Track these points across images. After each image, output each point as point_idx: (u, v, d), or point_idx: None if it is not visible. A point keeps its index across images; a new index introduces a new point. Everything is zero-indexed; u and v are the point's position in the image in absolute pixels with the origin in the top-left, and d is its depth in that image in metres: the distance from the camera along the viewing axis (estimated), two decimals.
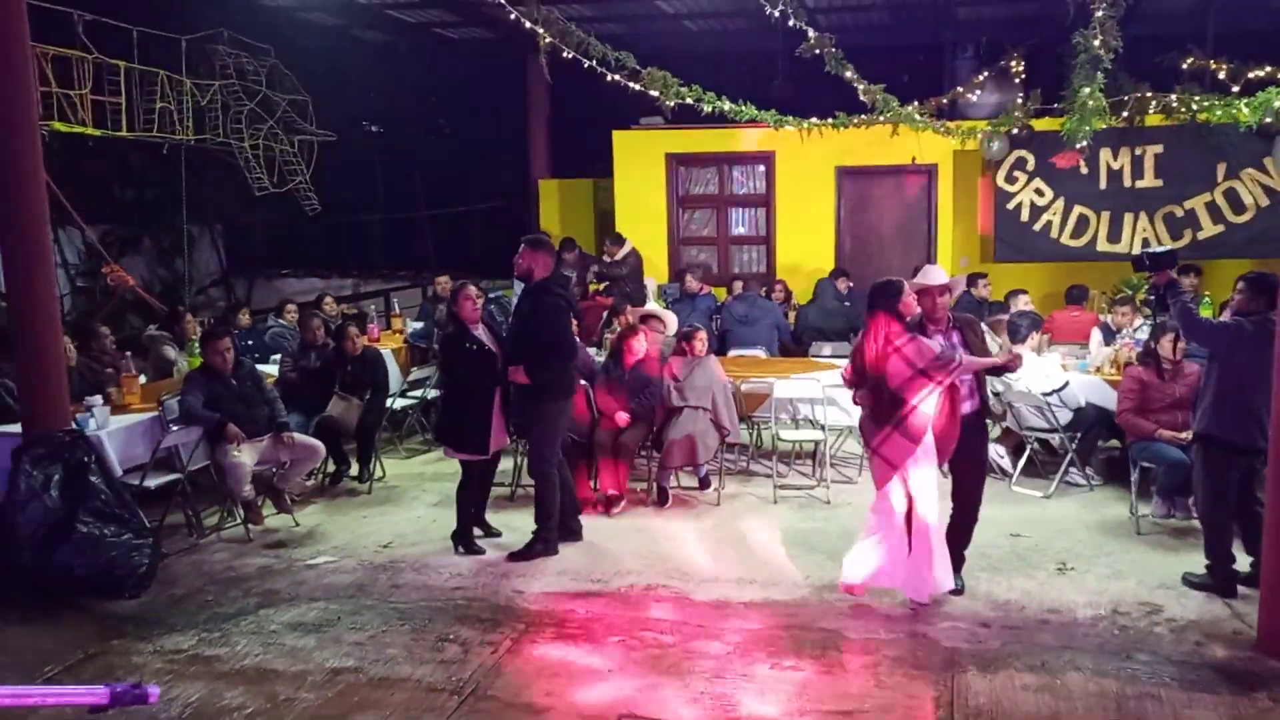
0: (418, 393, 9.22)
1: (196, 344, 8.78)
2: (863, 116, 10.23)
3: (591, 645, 5.14)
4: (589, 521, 7.00)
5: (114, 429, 6.78)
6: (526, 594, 5.85)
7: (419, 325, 10.55)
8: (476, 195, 17.30)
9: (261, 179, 11.50)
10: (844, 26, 10.18)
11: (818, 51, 9.27)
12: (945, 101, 10.90)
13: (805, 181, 12.38)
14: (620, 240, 11.58)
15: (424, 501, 7.77)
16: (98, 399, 6.94)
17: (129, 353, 8.23)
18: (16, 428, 6.38)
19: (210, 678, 4.88)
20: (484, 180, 17.26)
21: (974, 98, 11.08)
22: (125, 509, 6.19)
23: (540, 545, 6.44)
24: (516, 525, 6.87)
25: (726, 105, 9.91)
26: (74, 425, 6.42)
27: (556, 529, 6.53)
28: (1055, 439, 7.74)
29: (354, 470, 8.26)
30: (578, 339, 7.05)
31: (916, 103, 10.17)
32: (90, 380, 7.61)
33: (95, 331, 8.61)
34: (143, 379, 8.05)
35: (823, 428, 7.84)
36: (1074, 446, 7.54)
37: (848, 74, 9.40)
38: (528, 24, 8.96)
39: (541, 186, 14.74)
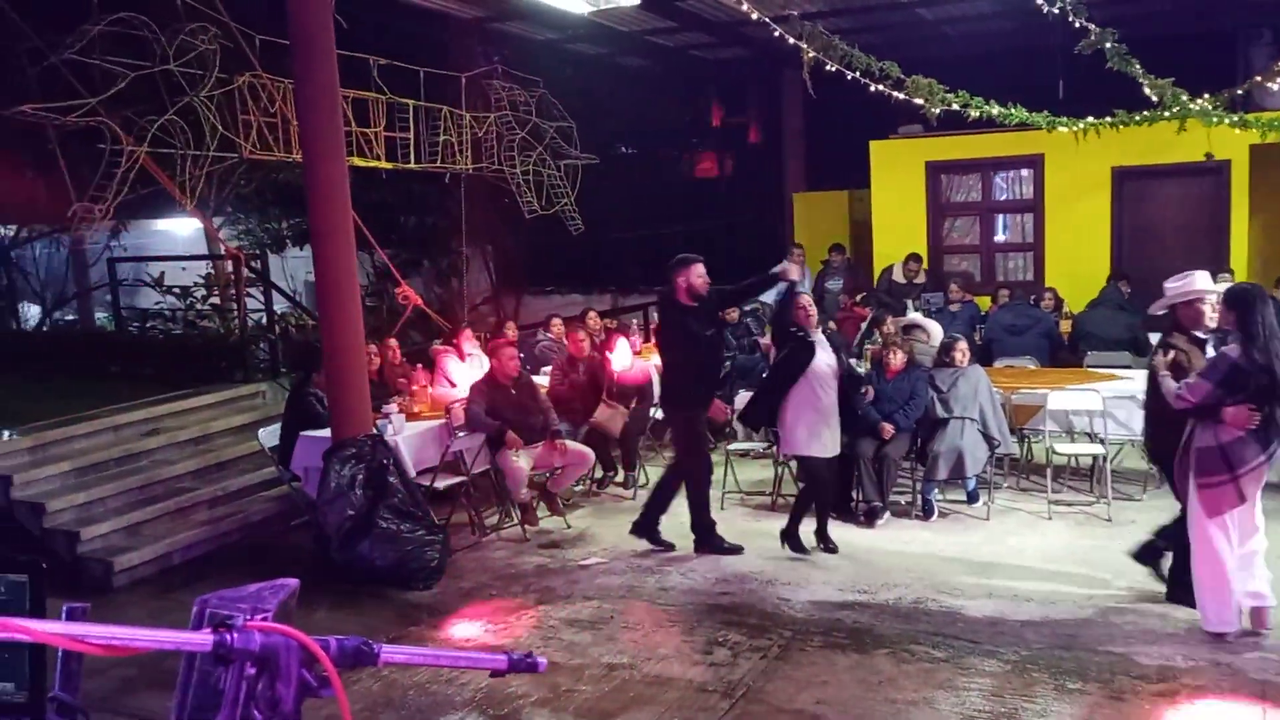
0: None
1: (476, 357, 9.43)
2: (1145, 113, 9.56)
3: (860, 655, 5.10)
4: (850, 533, 6.96)
5: (408, 434, 7.37)
6: (793, 602, 5.87)
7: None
8: (730, 210, 17.52)
9: (531, 202, 12.16)
10: (1122, 19, 9.54)
11: (1098, 47, 8.75)
12: (1240, 92, 10.01)
13: (1078, 184, 11.73)
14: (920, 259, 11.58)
15: (685, 508, 7.90)
16: (394, 406, 7.55)
17: (420, 365, 8.91)
18: (326, 433, 7.06)
19: None
20: (737, 195, 17.45)
21: (1275, 86, 10.11)
22: (418, 508, 6.72)
23: None
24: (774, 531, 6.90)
25: (995, 110, 9.53)
26: (375, 430, 7.03)
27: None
28: None
29: (619, 476, 8.57)
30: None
31: (1207, 95, 9.38)
32: (386, 389, 8.29)
33: (387, 345, 9.38)
34: (430, 389, 8.69)
35: (1102, 441, 7.40)
36: None
37: (1133, 69, 8.80)
38: (791, 40, 9.01)
39: (795, 199, 14.75)
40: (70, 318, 14.84)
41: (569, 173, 12.68)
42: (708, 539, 6.84)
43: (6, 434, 7.58)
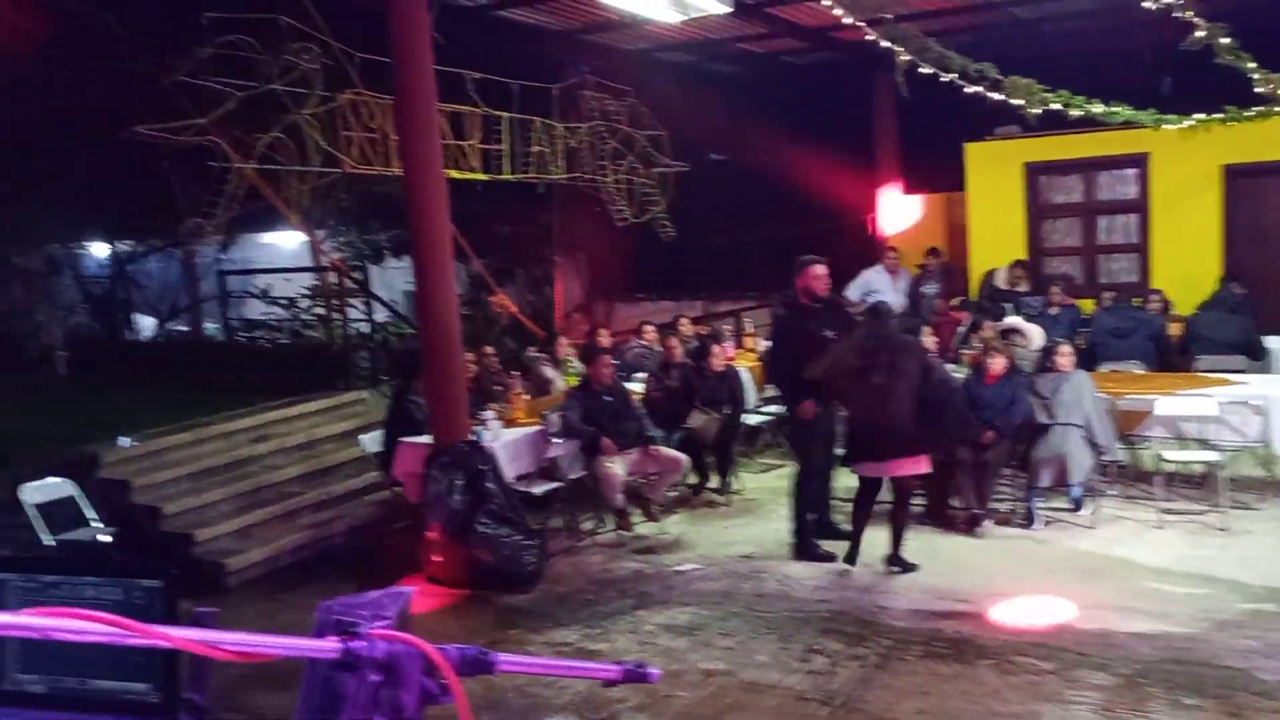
0: (771, 409, 9.41)
1: (569, 364, 9.55)
2: (1258, 109, 9.16)
3: (962, 665, 5.01)
4: (950, 541, 6.85)
5: (504, 441, 7.48)
6: (891, 610, 5.80)
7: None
8: (822, 215, 17.38)
9: (623, 211, 12.26)
10: (1231, 11, 9.16)
11: (1208, 43, 8.42)
12: None
13: (1186, 183, 11.35)
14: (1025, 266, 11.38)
15: (781, 515, 7.83)
16: (490, 413, 7.68)
17: (516, 372, 9.04)
18: (425, 439, 7.21)
19: None
20: (829, 200, 17.29)
21: None
22: (515, 513, 6.82)
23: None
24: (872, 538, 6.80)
25: (1098, 108, 9.26)
26: (472, 437, 7.15)
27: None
28: None
29: (714, 483, 8.56)
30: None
31: None
32: (483, 396, 8.43)
33: (483, 353, 9.54)
34: (525, 396, 8.81)
35: (1216, 448, 7.14)
36: None
37: (1243, 64, 8.46)
38: (884, 43, 8.92)
39: (888, 203, 14.56)
40: (182, 328, 15.47)
41: (661, 180, 12.76)
42: (804, 544, 6.78)
43: (126, 440, 7.92)
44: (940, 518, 7.24)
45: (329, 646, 1.21)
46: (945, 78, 9.26)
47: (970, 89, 9.37)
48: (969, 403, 7.27)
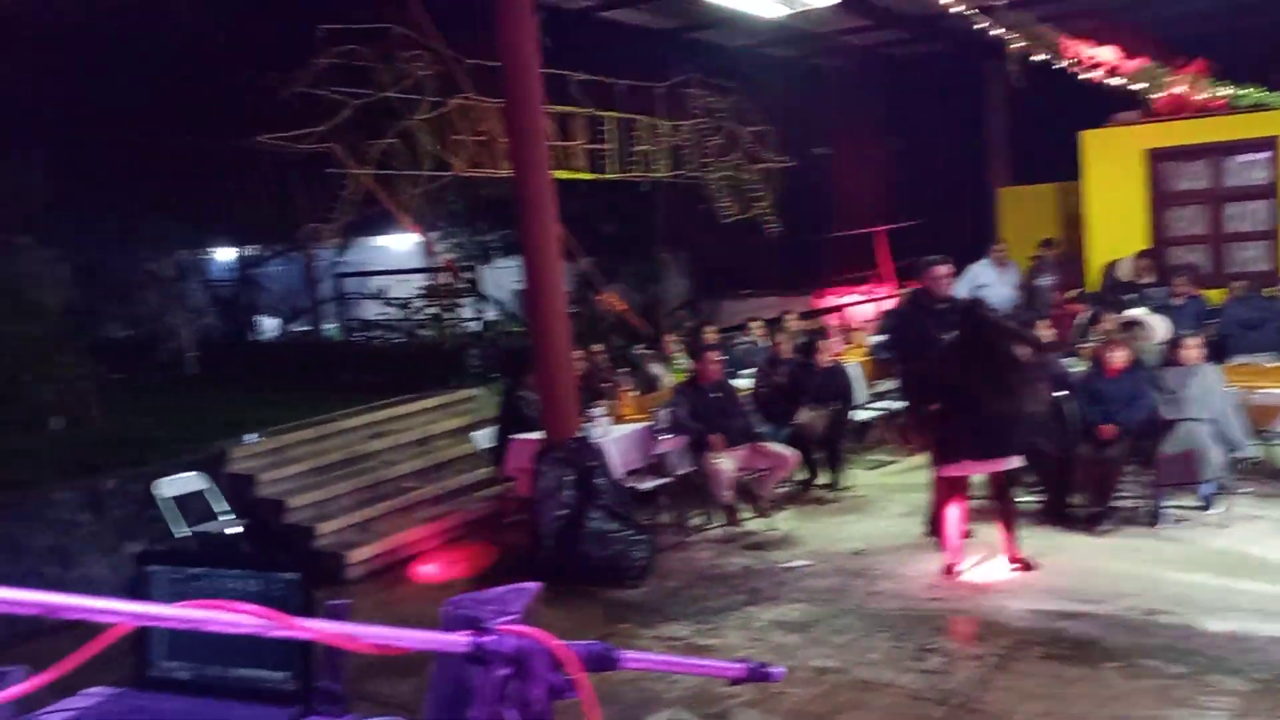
0: (882, 404, 9.28)
1: (677, 360, 9.58)
2: None
3: (1087, 668, 4.86)
4: (1071, 540, 6.64)
5: (613, 437, 7.54)
6: (1010, 610, 5.65)
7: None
8: (932, 208, 17.04)
9: (728, 207, 12.23)
10: None
11: None
12: None
13: None
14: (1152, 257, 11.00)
15: (892, 511, 7.76)
16: (600, 410, 7.75)
17: (624, 369, 9.11)
18: (536, 435, 7.32)
19: None
20: (940, 193, 16.95)
21: None
22: (625, 508, 6.89)
23: None
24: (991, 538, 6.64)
25: (1228, 91, 8.87)
26: (581, 433, 7.23)
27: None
28: None
29: (823, 479, 8.48)
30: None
31: None
32: (592, 393, 8.51)
33: (592, 350, 9.63)
34: (633, 393, 8.86)
35: None
36: None
37: None
38: (995, 31, 8.72)
39: (1002, 195, 14.20)
40: (303, 329, 16.02)
41: (766, 176, 12.69)
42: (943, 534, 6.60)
43: (253, 436, 8.24)
44: (1060, 516, 7.03)
45: (460, 641, 1.25)
46: (1060, 64, 9.00)
47: (1086, 75, 9.10)
48: (1089, 397, 7.05)
